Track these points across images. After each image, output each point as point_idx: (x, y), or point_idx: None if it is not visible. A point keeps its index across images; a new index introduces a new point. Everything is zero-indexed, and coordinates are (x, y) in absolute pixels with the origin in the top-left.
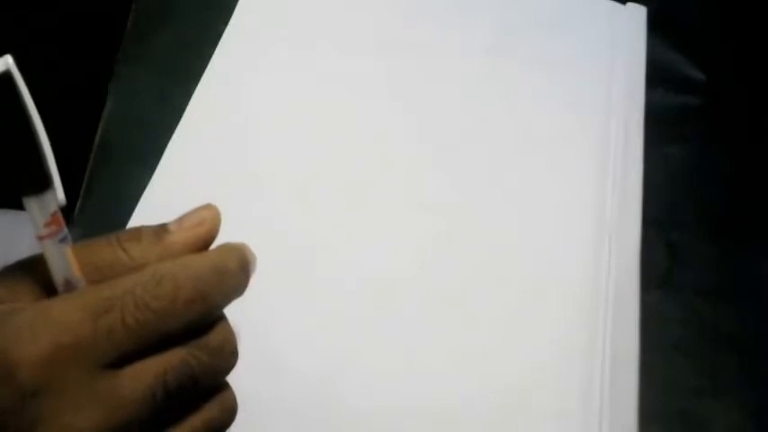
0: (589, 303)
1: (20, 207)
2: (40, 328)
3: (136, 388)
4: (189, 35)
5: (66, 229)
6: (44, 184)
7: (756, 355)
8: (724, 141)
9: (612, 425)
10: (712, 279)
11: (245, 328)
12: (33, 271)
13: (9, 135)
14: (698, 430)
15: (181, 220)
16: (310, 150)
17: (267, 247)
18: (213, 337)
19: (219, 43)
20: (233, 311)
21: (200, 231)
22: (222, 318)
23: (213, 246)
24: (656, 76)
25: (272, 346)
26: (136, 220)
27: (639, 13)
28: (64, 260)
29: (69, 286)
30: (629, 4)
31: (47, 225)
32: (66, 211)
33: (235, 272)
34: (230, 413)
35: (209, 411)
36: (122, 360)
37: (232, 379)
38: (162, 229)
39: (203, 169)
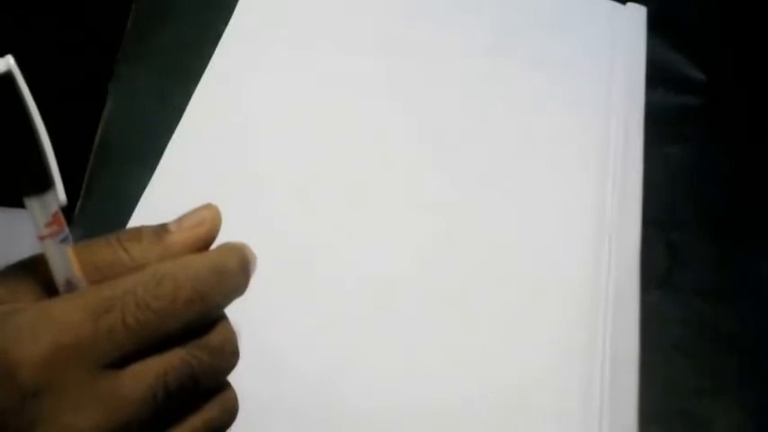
0: (589, 303)
1: (20, 205)
2: (40, 329)
3: (136, 388)
4: (189, 35)
5: (67, 230)
6: (45, 184)
7: (756, 355)
8: (724, 141)
9: (612, 425)
10: (712, 279)
11: (246, 327)
12: (34, 271)
13: (10, 135)
14: (698, 430)
15: (181, 220)
16: (310, 150)
17: (267, 247)
18: (214, 337)
19: (219, 43)
20: (233, 311)
21: (201, 231)
22: (223, 317)
23: (214, 245)
24: (656, 76)
25: (272, 346)
26: (136, 220)
27: (639, 13)
28: (65, 260)
29: (70, 286)
30: (629, 4)
31: (48, 225)
32: (67, 211)
33: (235, 272)
34: (231, 413)
35: (209, 411)
36: (123, 360)
37: (232, 379)
38: (162, 229)
39: (203, 169)
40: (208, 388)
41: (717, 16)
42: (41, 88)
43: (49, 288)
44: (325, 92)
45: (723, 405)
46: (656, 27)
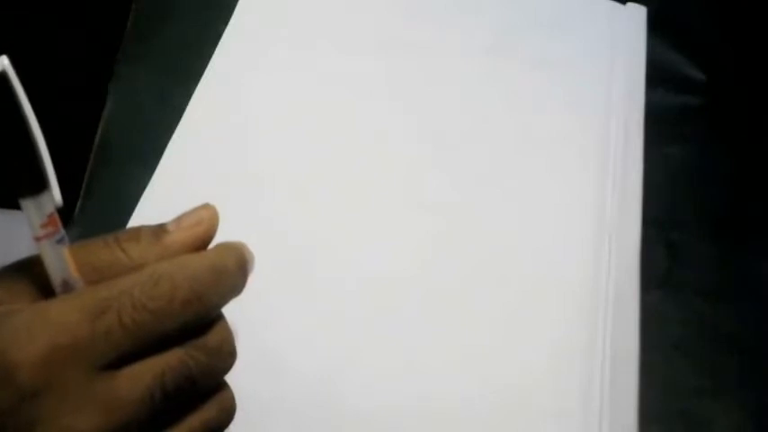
0: (589, 303)
1: (17, 207)
2: (37, 330)
3: (134, 389)
4: (189, 35)
5: (62, 230)
6: (40, 185)
7: (756, 355)
8: (724, 141)
9: (612, 425)
10: (712, 279)
11: (245, 327)
12: (31, 272)
13: (5, 136)
14: (698, 430)
15: (179, 219)
16: (310, 150)
17: (267, 247)
18: (211, 338)
19: (219, 43)
20: (232, 311)
21: (199, 231)
22: (221, 318)
23: (212, 245)
24: (656, 76)
25: (272, 346)
26: (136, 220)
27: (639, 13)
28: (61, 261)
29: (67, 287)
30: (629, 4)
31: (43, 226)
32: (66, 211)
33: (233, 271)
34: (228, 413)
35: (207, 412)
36: (120, 361)
37: (231, 379)
38: (160, 229)
39: (203, 169)
40: (205, 388)
41: (717, 16)
42: (41, 88)
43: (46, 289)
44: (325, 92)
45: (723, 405)
46: (656, 27)
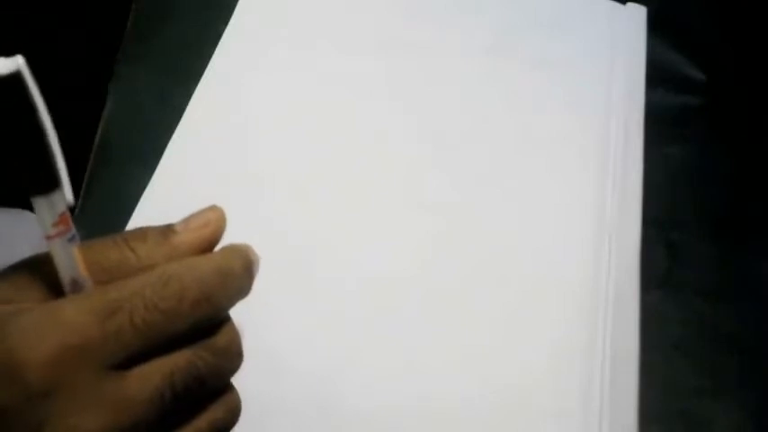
0: (589, 303)
1: (19, 205)
2: (47, 330)
3: (143, 389)
4: (189, 35)
5: (74, 229)
6: (53, 183)
7: (756, 355)
8: (724, 141)
9: (612, 425)
10: (712, 279)
11: (245, 327)
12: (40, 270)
13: (20, 135)
14: (698, 430)
15: (187, 220)
16: (310, 150)
17: (267, 247)
18: (219, 339)
19: (219, 43)
20: (233, 311)
21: (206, 233)
22: (228, 319)
23: (217, 247)
24: (656, 76)
25: (272, 346)
26: (136, 220)
27: (639, 13)
28: (71, 260)
29: (76, 286)
30: (629, 4)
31: (55, 225)
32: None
33: (239, 273)
34: (234, 414)
35: (214, 412)
36: (130, 361)
37: (233, 379)
38: (168, 230)
39: (203, 169)
40: (213, 389)
41: (717, 16)
42: (41, 88)
43: (55, 287)
44: (325, 92)
45: (723, 405)
46: (656, 27)
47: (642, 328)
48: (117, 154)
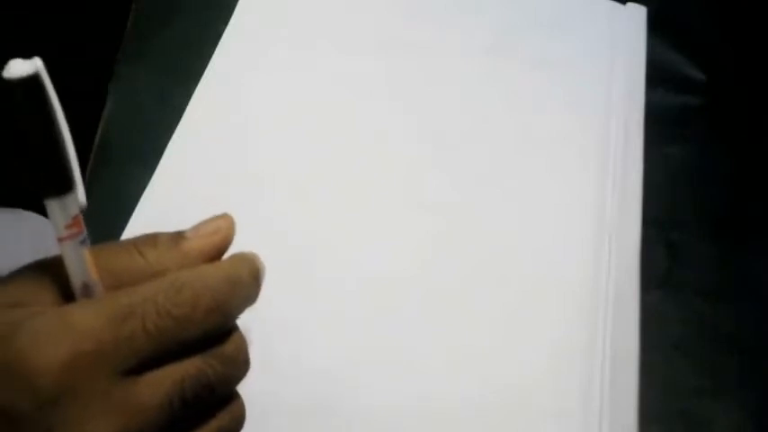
0: (589, 303)
1: (19, 205)
2: (60, 335)
3: (154, 395)
4: (189, 35)
5: (85, 232)
6: (67, 186)
7: (756, 355)
8: (724, 141)
9: (612, 425)
10: (712, 279)
11: (245, 327)
12: (50, 273)
13: (36, 137)
14: (698, 430)
15: (197, 227)
16: (310, 150)
17: (267, 247)
18: (228, 347)
19: (219, 43)
20: (238, 318)
21: (216, 240)
22: (236, 327)
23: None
24: (656, 76)
25: (273, 346)
26: (136, 220)
27: (639, 13)
28: (82, 263)
29: (87, 290)
30: (629, 4)
31: (68, 227)
32: None
33: (247, 282)
34: (239, 422)
35: (221, 420)
36: (141, 367)
37: None
38: (179, 236)
39: (203, 169)
40: (221, 396)
41: (717, 16)
42: None
43: (66, 291)
44: (325, 92)
45: (723, 405)
46: (656, 27)
47: (642, 328)
48: (117, 154)
